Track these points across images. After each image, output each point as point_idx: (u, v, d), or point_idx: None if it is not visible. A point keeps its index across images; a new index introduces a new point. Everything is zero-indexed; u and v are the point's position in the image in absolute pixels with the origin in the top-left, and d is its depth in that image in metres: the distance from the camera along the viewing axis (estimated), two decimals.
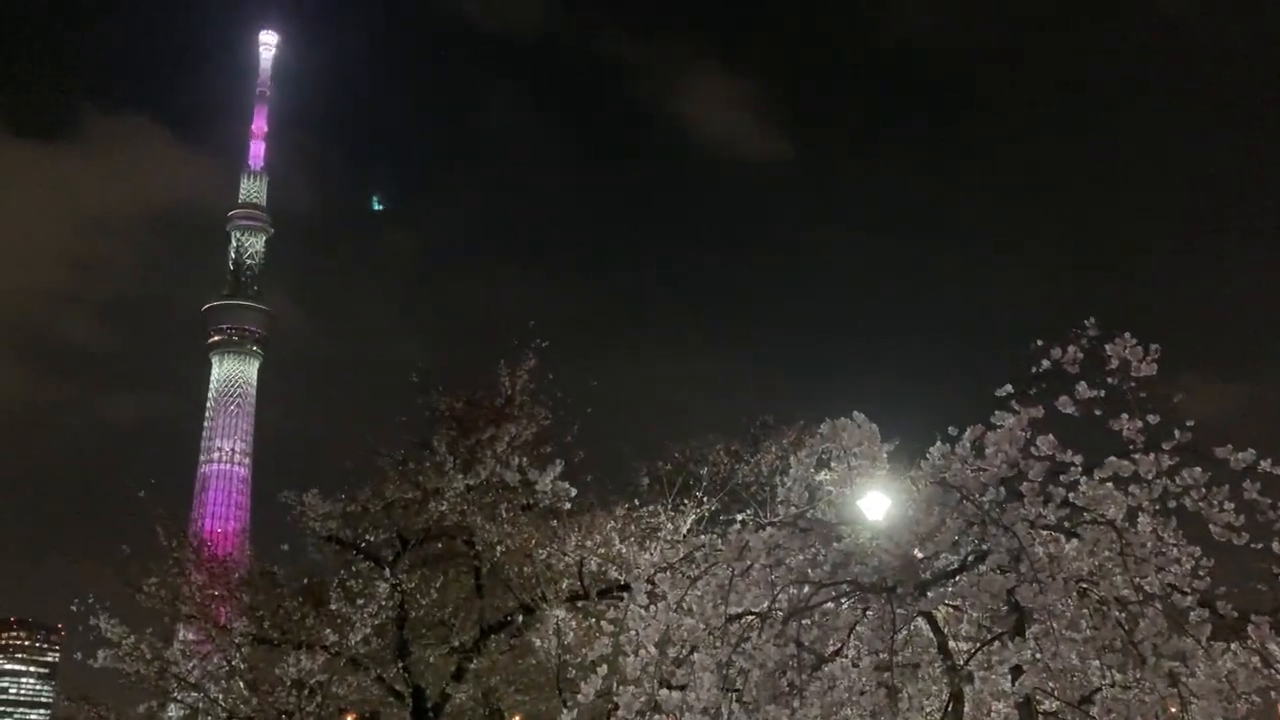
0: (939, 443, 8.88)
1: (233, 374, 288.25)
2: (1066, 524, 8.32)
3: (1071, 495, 8.36)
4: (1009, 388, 8.58)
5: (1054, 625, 7.54)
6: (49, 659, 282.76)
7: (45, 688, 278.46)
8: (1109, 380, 8.34)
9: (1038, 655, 7.49)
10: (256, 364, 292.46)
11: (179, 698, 23.14)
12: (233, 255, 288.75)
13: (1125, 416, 8.23)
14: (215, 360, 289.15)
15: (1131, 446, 8.31)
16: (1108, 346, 8.39)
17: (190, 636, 23.37)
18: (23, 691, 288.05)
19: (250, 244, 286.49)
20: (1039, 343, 8.52)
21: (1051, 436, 8.45)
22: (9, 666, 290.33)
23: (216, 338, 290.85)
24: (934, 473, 8.60)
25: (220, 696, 23.25)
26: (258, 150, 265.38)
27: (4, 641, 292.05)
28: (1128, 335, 8.37)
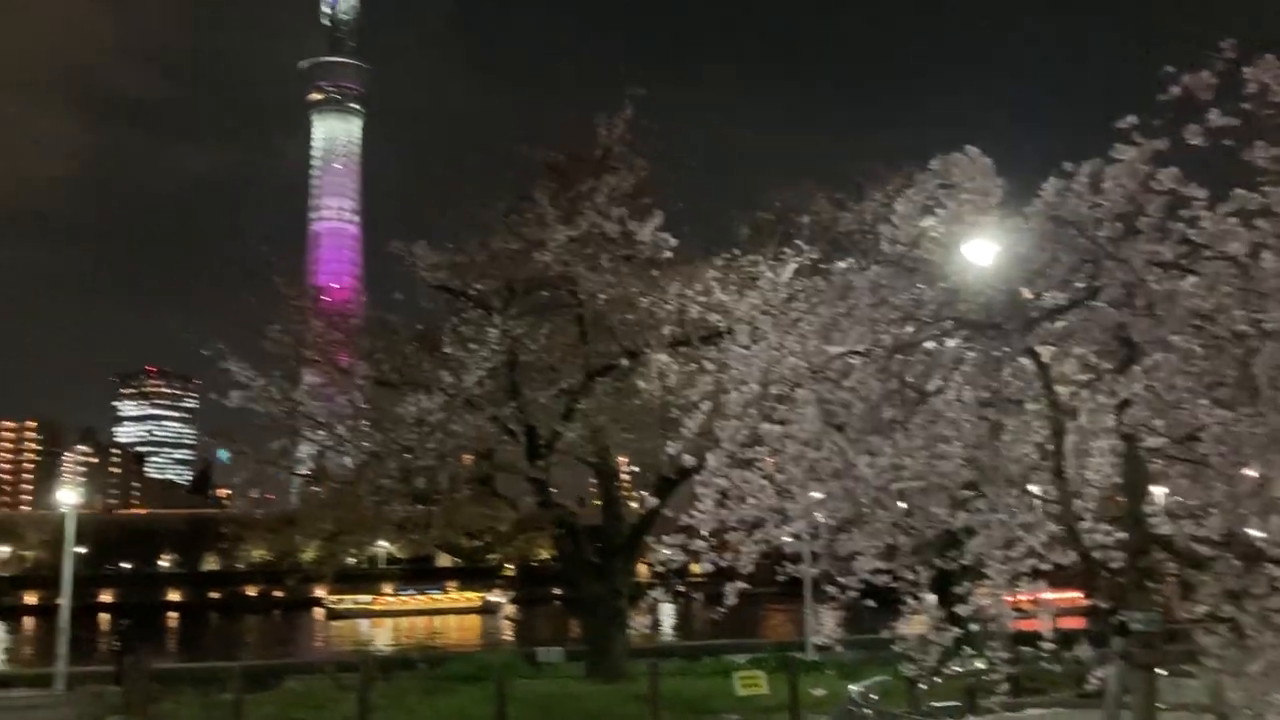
0: (1053, 178, 8.54)
1: (336, 132, 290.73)
2: (1184, 261, 8.03)
3: (1191, 232, 8.02)
4: (1133, 118, 8.11)
5: (1169, 357, 7.44)
6: (187, 404, 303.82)
7: (187, 430, 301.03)
8: (1244, 107, 7.79)
9: (1147, 388, 7.44)
10: (359, 121, 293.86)
11: (309, 435, 24.74)
12: (327, 10, 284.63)
13: (1260, 145, 7.73)
14: (316, 119, 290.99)
15: (1261, 179, 7.85)
16: (1246, 70, 7.79)
17: (315, 379, 24.73)
18: (166, 434, 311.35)
19: None
20: (1169, 68, 7.95)
21: (1175, 169, 8.03)
22: (152, 411, 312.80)
23: (317, 96, 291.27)
24: (1047, 209, 8.30)
25: (347, 434, 24.81)
26: None
27: (146, 389, 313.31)
28: (1269, 56, 7.73)
